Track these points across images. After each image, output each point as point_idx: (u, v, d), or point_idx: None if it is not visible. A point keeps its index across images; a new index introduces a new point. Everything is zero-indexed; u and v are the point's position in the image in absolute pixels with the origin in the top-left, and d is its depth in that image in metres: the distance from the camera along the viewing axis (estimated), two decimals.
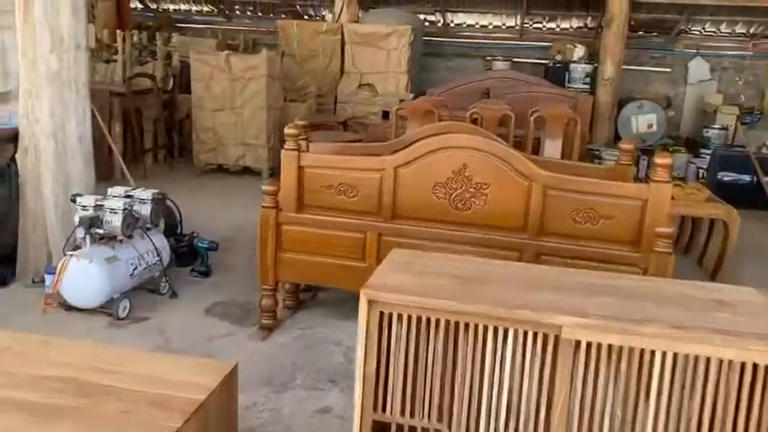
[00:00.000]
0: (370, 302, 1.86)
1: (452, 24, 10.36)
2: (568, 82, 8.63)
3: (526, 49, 9.99)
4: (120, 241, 3.75)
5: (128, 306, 3.69)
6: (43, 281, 3.83)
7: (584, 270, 2.31)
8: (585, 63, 8.75)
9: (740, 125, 8.32)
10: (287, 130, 3.57)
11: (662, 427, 1.73)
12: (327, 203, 3.49)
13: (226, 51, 7.38)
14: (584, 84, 8.59)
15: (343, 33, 8.64)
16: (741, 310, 1.85)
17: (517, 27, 10.05)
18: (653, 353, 1.70)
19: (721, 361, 1.67)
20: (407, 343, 1.87)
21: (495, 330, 1.80)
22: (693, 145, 8.54)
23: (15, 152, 4.06)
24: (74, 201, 3.77)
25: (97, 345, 2.82)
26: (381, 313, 1.86)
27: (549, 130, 4.96)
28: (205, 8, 11.58)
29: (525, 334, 1.78)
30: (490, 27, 10.28)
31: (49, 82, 3.89)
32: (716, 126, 8.42)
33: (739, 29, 9.44)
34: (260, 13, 11.27)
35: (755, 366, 1.65)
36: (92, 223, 3.60)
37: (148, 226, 3.94)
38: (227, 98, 7.13)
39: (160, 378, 1.97)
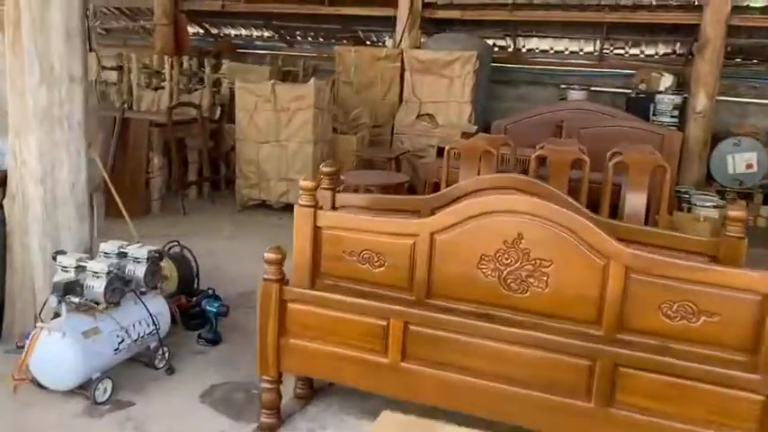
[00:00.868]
0: None
1: (524, 50, 9.54)
2: (653, 115, 7.68)
3: (605, 77, 9.05)
4: (105, 309, 3.15)
5: (108, 388, 3.09)
6: None
7: None
8: (673, 93, 7.77)
9: None
10: (302, 182, 2.93)
11: None
12: (347, 273, 2.82)
13: (272, 81, 6.84)
14: (671, 117, 7.62)
15: (402, 60, 8.03)
16: None
17: (596, 53, 9.14)
18: None
19: None
20: None
21: None
22: None
23: (4, 197, 3.57)
24: (54, 259, 3.22)
25: None
26: None
27: (632, 180, 4.08)
28: (266, 33, 11.23)
29: None
30: (566, 53, 9.41)
31: (38, 119, 3.34)
32: None
33: None
34: (321, 39, 10.80)
35: None
36: (67, 289, 3.00)
37: (143, 289, 3.34)
38: (272, 130, 6.57)
39: None
